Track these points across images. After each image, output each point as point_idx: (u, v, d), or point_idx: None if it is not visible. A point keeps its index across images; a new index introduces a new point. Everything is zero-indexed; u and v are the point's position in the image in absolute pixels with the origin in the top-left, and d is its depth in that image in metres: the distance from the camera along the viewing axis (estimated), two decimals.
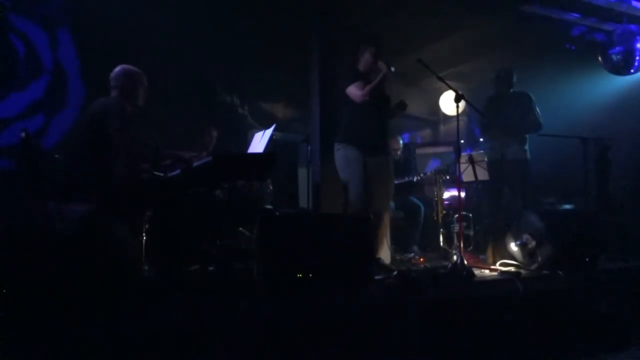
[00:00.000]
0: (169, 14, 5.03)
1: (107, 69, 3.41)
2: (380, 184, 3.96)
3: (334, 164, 4.04)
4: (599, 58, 6.12)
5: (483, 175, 4.65)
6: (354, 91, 3.86)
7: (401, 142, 5.84)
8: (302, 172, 5.43)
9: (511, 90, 5.08)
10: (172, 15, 5.05)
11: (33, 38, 5.10)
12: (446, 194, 5.60)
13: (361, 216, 3.52)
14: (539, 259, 3.75)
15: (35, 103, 5.01)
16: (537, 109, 4.97)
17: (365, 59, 3.98)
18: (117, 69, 3.38)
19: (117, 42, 4.68)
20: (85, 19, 5.04)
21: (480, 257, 4.58)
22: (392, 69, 3.80)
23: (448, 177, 5.24)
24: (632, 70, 5.99)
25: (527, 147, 4.98)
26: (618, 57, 5.94)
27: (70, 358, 2.05)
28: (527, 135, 5.00)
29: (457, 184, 4.15)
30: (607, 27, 6.17)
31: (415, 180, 5.44)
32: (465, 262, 3.55)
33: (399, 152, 5.73)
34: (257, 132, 3.92)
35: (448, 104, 7.20)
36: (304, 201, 5.38)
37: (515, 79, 5.07)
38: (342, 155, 3.95)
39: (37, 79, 5.08)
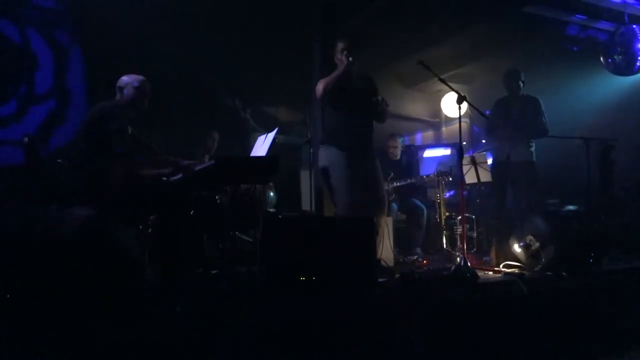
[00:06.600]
0: (171, 19, 5.04)
1: None
2: (367, 189, 3.78)
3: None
4: (601, 59, 6.11)
5: (485, 176, 4.63)
6: (317, 87, 3.77)
7: (400, 140, 5.82)
8: (304, 175, 5.43)
9: (520, 92, 5.05)
10: (174, 20, 5.06)
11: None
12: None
13: (364, 219, 3.51)
14: (543, 260, 3.75)
15: None
16: (545, 115, 4.95)
17: (337, 56, 3.86)
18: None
19: (121, 52, 4.68)
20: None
21: (484, 258, 4.56)
22: (350, 59, 3.69)
23: (451, 179, 5.24)
24: (634, 71, 5.98)
25: (533, 149, 4.97)
26: (620, 57, 5.92)
27: None
28: None
29: (460, 185, 4.14)
30: (609, 27, 6.17)
31: (417, 182, 5.42)
32: (469, 264, 3.54)
33: (398, 151, 5.72)
34: (259, 135, 3.92)
35: (450, 106, 7.19)
36: (306, 204, 5.38)
37: (523, 77, 5.04)
38: (325, 156, 3.81)
39: None
